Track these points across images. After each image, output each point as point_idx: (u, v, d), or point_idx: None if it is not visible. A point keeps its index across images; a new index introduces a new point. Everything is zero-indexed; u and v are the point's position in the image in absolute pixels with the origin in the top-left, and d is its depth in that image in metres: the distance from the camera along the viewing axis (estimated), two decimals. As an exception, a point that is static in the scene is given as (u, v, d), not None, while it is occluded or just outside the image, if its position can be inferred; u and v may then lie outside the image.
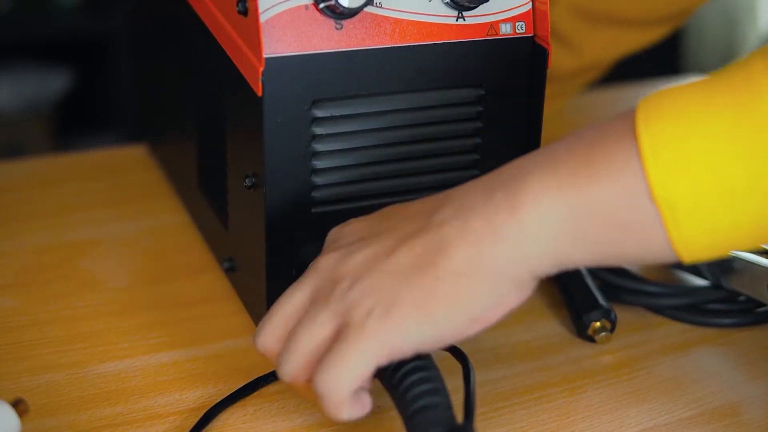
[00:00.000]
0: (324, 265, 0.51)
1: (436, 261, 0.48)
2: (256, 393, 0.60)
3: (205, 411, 0.57)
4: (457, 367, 0.54)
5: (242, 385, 0.59)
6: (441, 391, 0.50)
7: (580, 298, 0.66)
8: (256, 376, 0.60)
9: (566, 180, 0.46)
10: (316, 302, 0.51)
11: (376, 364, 0.48)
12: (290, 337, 0.51)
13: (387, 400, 0.53)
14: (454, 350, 0.56)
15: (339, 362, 0.48)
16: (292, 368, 0.51)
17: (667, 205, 0.44)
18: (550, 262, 0.47)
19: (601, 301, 0.65)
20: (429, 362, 0.51)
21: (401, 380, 0.50)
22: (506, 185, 0.47)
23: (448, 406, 0.50)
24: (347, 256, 0.51)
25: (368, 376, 0.49)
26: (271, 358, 0.53)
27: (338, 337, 0.49)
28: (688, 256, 0.45)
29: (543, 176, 0.46)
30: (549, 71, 0.90)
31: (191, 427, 0.56)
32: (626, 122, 0.46)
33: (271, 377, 0.60)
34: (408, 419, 0.50)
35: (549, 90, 0.92)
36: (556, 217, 0.46)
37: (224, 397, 0.58)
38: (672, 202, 0.44)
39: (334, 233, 0.54)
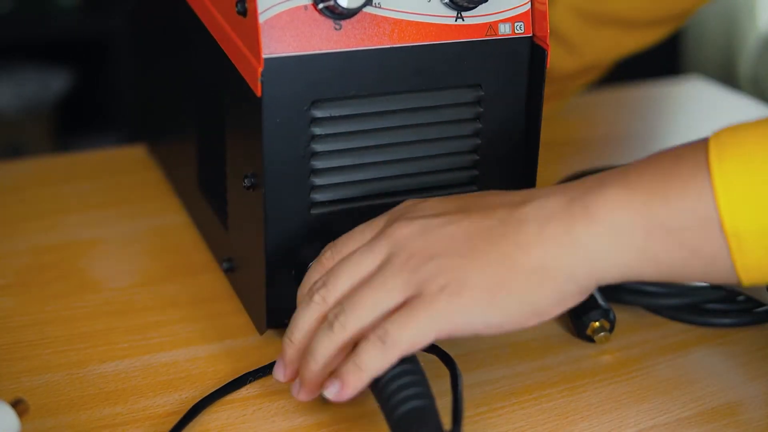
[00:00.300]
0: (401, 233, 0.53)
1: (513, 255, 0.51)
2: (257, 393, 0.60)
3: (200, 409, 0.57)
4: (445, 371, 0.55)
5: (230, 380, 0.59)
6: (427, 395, 0.50)
7: (580, 298, 0.66)
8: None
9: (642, 201, 0.50)
10: (387, 268, 0.52)
11: (437, 335, 0.51)
12: (356, 294, 0.52)
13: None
14: (441, 354, 0.56)
15: (401, 324, 0.50)
16: (354, 326, 0.52)
17: (734, 237, 0.49)
18: (616, 273, 0.51)
19: (600, 301, 0.65)
20: (415, 366, 0.52)
21: (387, 384, 0.51)
22: (584, 197, 0.51)
23: (434, 410, 0.50)
24: (426, 230, 0.53)
25: (424, 345, 0.51)
26: (321, 313, 0.54)
27: (406, 304, 0.51)
28: (748, 280, 0.50)
29: (619, 192, 0.51)
30: (549, 72, 0.90)
31: (180, 420, 0.56)
32: (700, 153, 0.50)
33: (260, 373, 0.60)
34: (394, 424, 0.50)
35: (549, 90, 0.93)
36: (628, 232, 0.50)
37: (211, 392, 0.58)
38: (740, 234, 0.48)
39: (409, 205, 0.56)
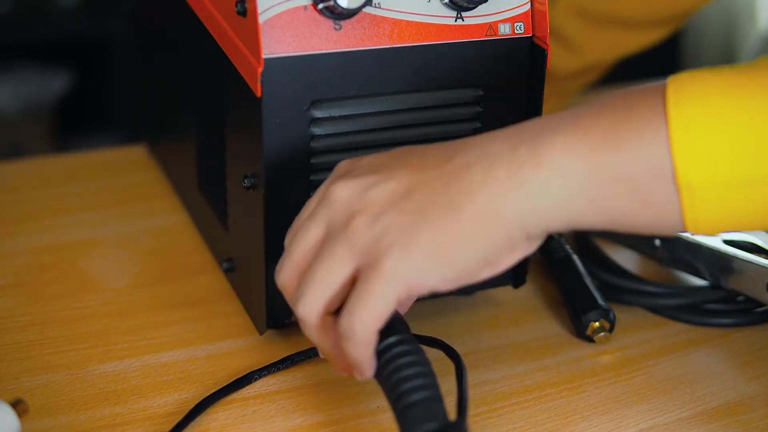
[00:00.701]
0: (339, 195, 0.51)
1: (458, 203, 0.49)
2: (257, 394, 0.60)
3: (206, 406, 0.57)
4: (447, 370, 0.55)
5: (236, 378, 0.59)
6: (433, 385, 0.50)
7: (579, 298, 0.66)
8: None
9: (592, 145, 0.48)
10: (332, 236, 0.51)
11: (396, 302, 0.50)
12: (308, 273, 0.51)
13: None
14: (445, 348, 0.56)
15: (361, 305, 0.49)
16: (311, 307, 0.51)
17: (687, 188, 0.46)
18: (564, 220, 0.49)
19: (600, 301, 0.65)
20: (421, 357, 0.52)
21: (393, 373, 0.51)
22: (532, 141, 0.49)
23: (441, 401, 0.50)
24: (365, 189, 0.51)
25: (389, 314, 0.50)
26: (290, 296, 0.53)
27: (358, 276, 0.50)
28: (696, 231, 0.48)
29: (569, 138, 0.48)
30: (550, 71, 0.90)
31: (184, 417, 0.56)
32: (657, 98, 0.47)
33: (266, 371, 0.60)
34: (399, 413, 0.50)
35: (549, 90, 0.93)
36: (577, 179, 0.48)
37: (218, 389, 0.58)
38: (692, 186, 0.46)
39: (346, 164, 0.53)
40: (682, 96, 0.47)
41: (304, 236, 0.52)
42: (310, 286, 0.51)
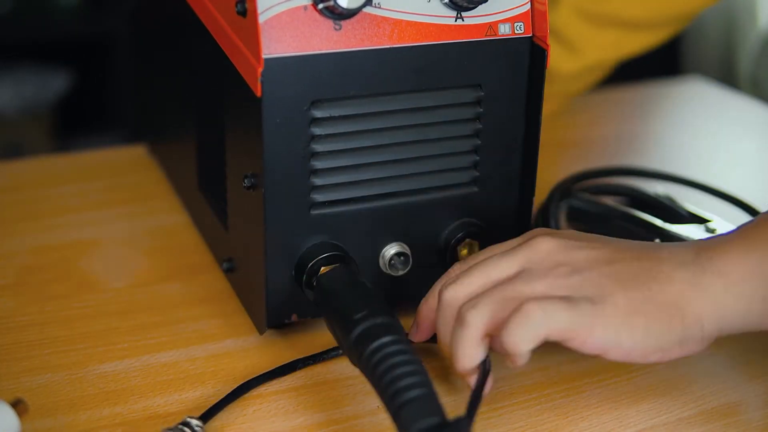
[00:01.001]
0: (542, 246, 0.56)
1: (652, 287, 0.54)
2: (256, 393, 0.60)
3: (246, 389, 0.59)
4: (446, 370, 0.55)
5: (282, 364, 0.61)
6: (427, 383, 0.51)
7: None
8: (294, 359, 0.61)
9: (760, 255, 0.54)
10: (531, 273, 0.54)
11: (561, 336, 0.53)
12: (495, 292, 0.54)
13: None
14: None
15: (543, 306, 0.53)
16: (482, 319, 0.54)
17: None
18: (740, 323, 0.55)
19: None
20: (414, 356, 0.52)
21: (386, 372, 0.51)
22: (710, 252, 0.55)
23: (436, 398, 0.50)
24: (569, 248, 0.55)
25: (542, 337, 0.53)
26: (448, 309, 0.56)
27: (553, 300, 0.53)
28: None
29: (740, 248, 0.55)
30: (551, 73, 0.90)
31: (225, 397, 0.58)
32: None
33: (310, 360, 0.61)
34: (396, 411, 0.50)
35: (552, 91, 0.93)
36: (752, 288, 0.54)
37: (264, 372, 0.60)
38: None
39: (546, 229, 0.58)
40: None
41: (495, 266, 0.56)
42: (487, 304, 0.54)
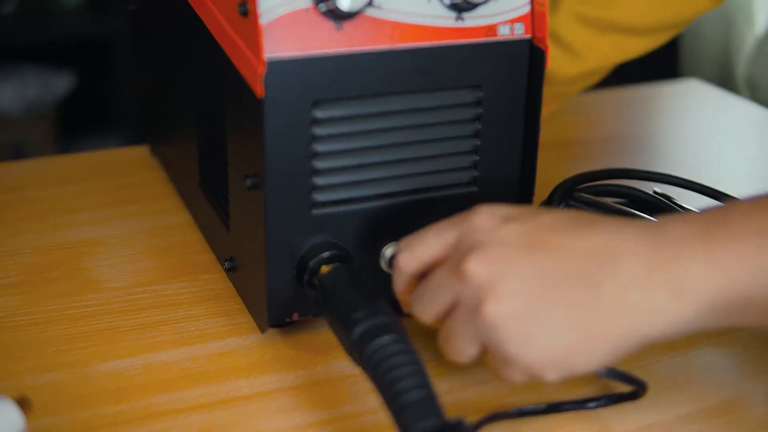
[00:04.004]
0: (473, 276, 0.52)
1: (591, 320, 0.51)
2: (258, 392, 0.60)
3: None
4: (447, 368, 0.55)
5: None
6: (428, 384, 0.51)
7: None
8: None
9: (728, 278, 0.50)
10: (464, 315, 0.53)
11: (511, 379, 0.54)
12: (445, 335, 0.54)
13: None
14: None
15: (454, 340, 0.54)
16: (428, 317, 0.55)
17: None
18: (689, 332, 0.52)
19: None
20: (415, 357, 0.52)
21: (387, 372, 0.51)
22: (667, 267, 0.51)
23: (436, 399, 0.50)
24: (496, 276, 0.52)
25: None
26: (401, 283, 0.57)
27: (487, 355, 0.54)
28: None
29: (706, 269, 0.50)
30: (551, 76, 0.91)
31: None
32: None
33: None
34: (397, 412, 0.50)
35: (551, 94, 0.93)
36: (712, 306, 0.51)
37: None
38: None
39: (482, 228, 0.54)
40: None
41: (438, 302, 0.54)
42: (446, 350, 0.55)
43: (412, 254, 0.56)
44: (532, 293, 0.52)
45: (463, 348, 0.54)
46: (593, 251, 0.52)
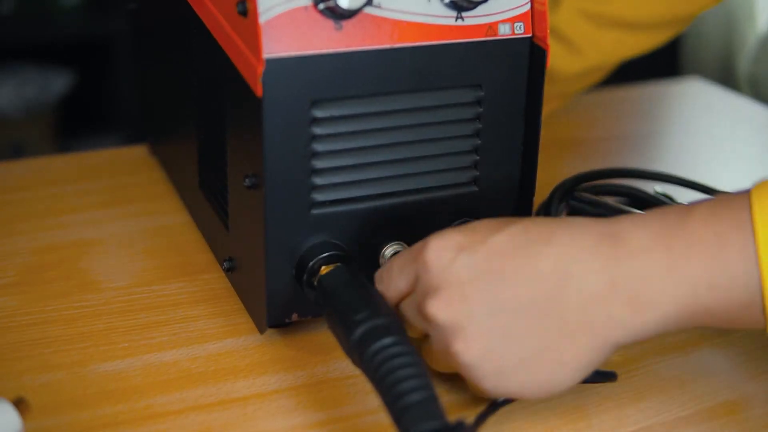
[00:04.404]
0: (431, 311, 0.53)
1: (557, 347, 0.52)
2: (257, 393, 0.60)
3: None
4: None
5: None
6: (429, 386, 0.51)
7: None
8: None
9: (690, 291, 0.50)
10: (436, 348, 0.55)
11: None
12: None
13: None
14: None
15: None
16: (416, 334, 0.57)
17: None
18: (646, 338, 0.53)
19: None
20: (416, 358, 0.52)
21: (388, 374, 0.51)
22: (628, 283, 0.51)
23: (437, 401, 0.50)
24: (457, 318, 0.53)
25: None
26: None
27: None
28: None
29: (667, 283, 0.50)
30: (553, 73, 0.91)
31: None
32: (747, 236, 0.49)
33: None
34: (398, 414, 0.50)
35: (552, 91, 0.93)
36: (674, 316, 0.51)
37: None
38: None
39: (436, 267, 0.54)
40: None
41: (411, 329, 0.57)
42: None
43: (384, 288, 0.58)
44: (496, 328, 0.52)
45: (444, 369, 0.57)
46: (549, 272, 0.52)
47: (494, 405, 0.58)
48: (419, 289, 0.55)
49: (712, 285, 0.50)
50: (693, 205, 0.52)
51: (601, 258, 0.51)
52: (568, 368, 0.53)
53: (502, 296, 0.52)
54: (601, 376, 0.59)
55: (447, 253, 0.54)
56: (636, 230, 0.52)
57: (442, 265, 0.54)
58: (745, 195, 0.50)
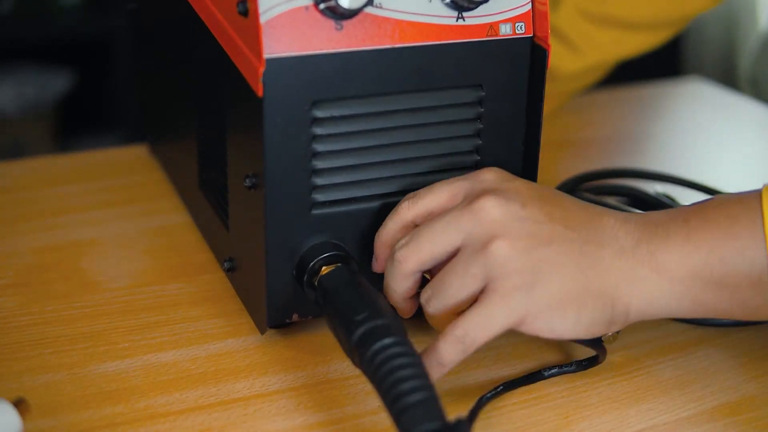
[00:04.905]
0: (486, 214, 0.55)
1: (589, 276, 0.55)
2: (257, 393, 0.60)
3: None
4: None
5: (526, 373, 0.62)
6: (429, 386, 0.51)
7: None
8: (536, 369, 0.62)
9: (702, 259, 0.55)
10: (471, 253, 0.55)
11: (505, 330, 0.55)
12: (443, 283, 0.56)
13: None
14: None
15: (480, 319, 0.54)
16: (441, 306, 0.56)
17: None
18: (663, 313, 0.56)
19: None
20: (414, 359, 0.52)
21: (389, 374, 0.51)
22: (650, 243, 0.56)
23: (438, 401, 0.50)
24: (513, 217, 0.55)
25: (498, 333, 0.55)
26: (401, 270, 0.57)
27: (485, 291, 0.55)
28: None
29: (681, 249, 0.55)
30: (552, 72, 0.91)
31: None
32: (755, 216, 0.54)
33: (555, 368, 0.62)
34: (398, 414, 0.50)
35: (552, 90, 0.93)
36: (687, 286, 0.55)
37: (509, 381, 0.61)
38: None
39: (494, 179, 0.58)
40: None
41: (442, 235, 0.56)
42: (444, 294, 0.56)
43: (417, 200, 0.58)
44: (542, 235, 0.55)
45: (459, 285, 0.55)
46: (595, 215, 0.57)
47: (482, 399, 0.58)
48: (472, 192, 0.57)
49: (724, 258, 0.54)
50: (708, 199, 0.57)
51: (632, 223, 0.56)
52: (586, 303, 0.55)
53: (553, 215, 0.56)
54: (592, 344, 0.61)
55: (506, 175, 0.58)
56: (660, 212, 0.57)
57: (502, 179, 0.58)
58: (757, 191, 0.55)
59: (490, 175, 0.58)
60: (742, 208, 0.55)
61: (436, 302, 0.56)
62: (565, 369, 0.62)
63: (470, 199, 0.56)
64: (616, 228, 0.56)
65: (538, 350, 0.65)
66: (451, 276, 0.55)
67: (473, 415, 0.57)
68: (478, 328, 0.54)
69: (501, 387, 0.60)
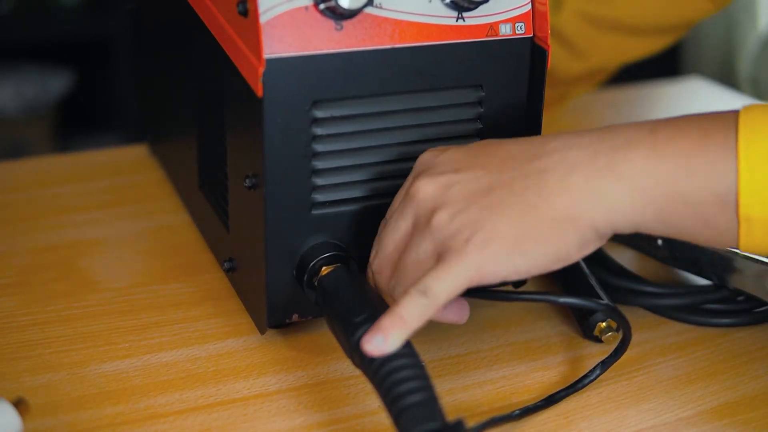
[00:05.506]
0: (423, 193, 0.56)
1: (537, 205, 0.53)
2: (257, 393, 0.60)
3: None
4: (448, 368, 0.55)
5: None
6: (429, 387, 0.51)
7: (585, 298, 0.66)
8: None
9: (666, 168, 0.52)
10: (418, 231, 0.56)
11: (469, 284, 0.54)
12: (400, 265, 0.56)
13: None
14: (618, 316, 0.59)
15: (440, 276, 0.53)
16: (404, 290, 0.56)
17: (746, 220, 0.51)
18: (631, 226, 0.53)
19: (606, 300, 0.65)
20: (415, 359, 0.52)
21: (389, 375, 0.51)
22: (610, 154, 0.53)
23: (438, 402, 0.50)
24: (446, 187, 0.55)
25: (458, 292, 0.54)
26: (383, 283, 0.58)
27: (440, 259, 0.54)
28: (748, 251, 0.53)
29: (646, 158, 0.52)
30: (554, 75, 0.91)
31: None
32: (730, 132, 0.51)
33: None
34: (398, 415, 0.50)
35: (554, 94, 0.93)
36: (649, 195, 0.52)
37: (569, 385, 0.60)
38: (750, 219, 0.51)
39: (427, 158, 0.58)
40: (754, 137, 0.50)
41: (394, 231, 0.57)
42: (404, 275, 0.56)
43: (376, 251, 0.59)
44: (478, 189, 0.54)
45: (415, 265, 0.55)
46: (537, 145, 0.55)
47: (494, 420, 0.57)
48: (411, 181, 0.57)
49: (691, 170, 0.51)
50: (680, 115, 0.55)
51: (587, 136, 0.54)
52: (544, 232, 0.53)
53: (488, 163, 0.55)
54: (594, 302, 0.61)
55: (438, 159, 0.57)
56: (626, 125, 0.54)
57: (435, 153, 0.57)
58: (734, 110, 0.52)
59: (424, 157, 0.58)
60: (716, 122, 0.52)
61: (399, 288, 0.56)
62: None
63: (408, 188, 0.57)
64: (566, 148, 0.54)
65: (538, 350, 0.64)
66: (406, 259, 0.56)
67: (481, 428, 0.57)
68: (439, 281, 0.53)
69: (516, 413, 0.58)
